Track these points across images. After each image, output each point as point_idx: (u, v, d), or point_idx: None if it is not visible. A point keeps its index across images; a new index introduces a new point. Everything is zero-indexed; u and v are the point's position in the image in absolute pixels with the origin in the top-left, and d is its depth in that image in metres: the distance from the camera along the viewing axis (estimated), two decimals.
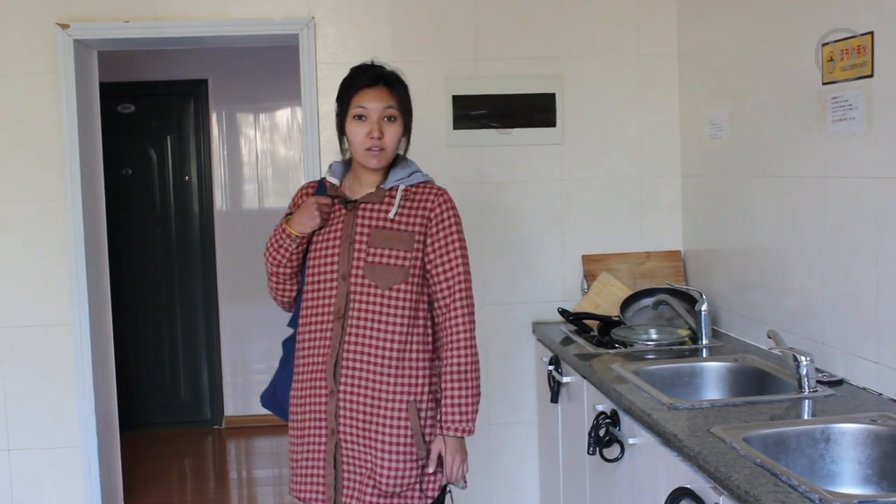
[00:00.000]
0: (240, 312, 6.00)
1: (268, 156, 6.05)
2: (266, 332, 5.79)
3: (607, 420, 2.63)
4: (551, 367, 3.35)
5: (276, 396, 2.61)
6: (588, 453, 2.68)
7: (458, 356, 2.39)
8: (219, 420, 6.09)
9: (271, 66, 5.82)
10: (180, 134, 6.00)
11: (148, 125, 5.97)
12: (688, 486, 2.04)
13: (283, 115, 6.03)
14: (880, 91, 2.40)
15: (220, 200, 6.03)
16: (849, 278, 2.57)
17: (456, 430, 2.39)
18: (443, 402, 2.41)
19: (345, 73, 2.50)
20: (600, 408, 2.70)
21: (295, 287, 2.52)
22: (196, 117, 5.99)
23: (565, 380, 3.22)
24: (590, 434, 2.66)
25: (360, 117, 2.38)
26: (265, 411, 2.70)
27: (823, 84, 2.64)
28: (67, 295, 3.68)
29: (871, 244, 2.46)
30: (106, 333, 4.00)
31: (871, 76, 2.42)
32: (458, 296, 2.41)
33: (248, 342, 6.04)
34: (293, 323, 2.56)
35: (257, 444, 5.67)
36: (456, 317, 2.40)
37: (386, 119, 2.39)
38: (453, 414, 2.39)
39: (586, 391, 2.95)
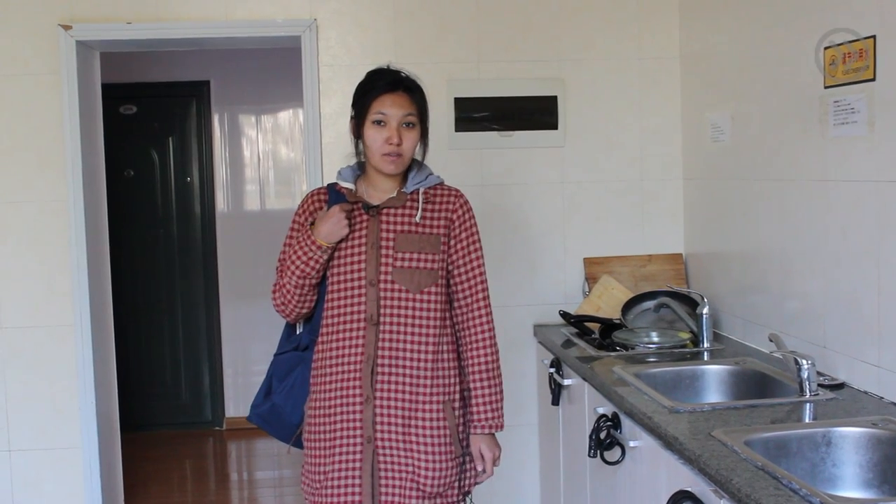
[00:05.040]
0: (241, 313, 6.01)
1: (269, 157, 6.06)
2: (267, 334, 5.72)
3: (608, 423, 2.63)
4: (552, 370, 3.35)
5: (278, 413, 2.53)
6: (589, 456, 2.68)
7: (484, 354, 2.46)
8: (219, 421, 6.09)
9: (273, 67, 5.83)
10: (182, 135, 6.01)
11: (150, 126, 5.97)
12: (689, 489, 2.04)
13: (284, 116, 6.04)
14: (882, 95, 2.40)
15: (221, 202, 6.03)
16: (850, 282, 2.57)
17: (491, 426, 2.45)
18: (473, 400, 2.45)
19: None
20: (601, 410, 2.70)
21: (316, 296, 2.47)
22: (198, 118, 6.00)
23: (566, 382, 3.22)
24: (591, 437, 2.66)
25: (379, 123, 2.36)
26: None
27: (825, 87, 2.64)
28: (69, 296, 3.68)
29: (872, 248, 2.46)
30: (107, 334, 4.00)
31: (873, 80, 2.42)
32: (479, 295, 2.47)
33: (250, 343, 6.04)
34: (298, 338, 2.54)
35: (258, 446, 5.67)
36: (480, 315, 2.46)
37: (405, 125, 2.38)
38: (486, 412, 2.45)
39: (587, 394, 2.95)
